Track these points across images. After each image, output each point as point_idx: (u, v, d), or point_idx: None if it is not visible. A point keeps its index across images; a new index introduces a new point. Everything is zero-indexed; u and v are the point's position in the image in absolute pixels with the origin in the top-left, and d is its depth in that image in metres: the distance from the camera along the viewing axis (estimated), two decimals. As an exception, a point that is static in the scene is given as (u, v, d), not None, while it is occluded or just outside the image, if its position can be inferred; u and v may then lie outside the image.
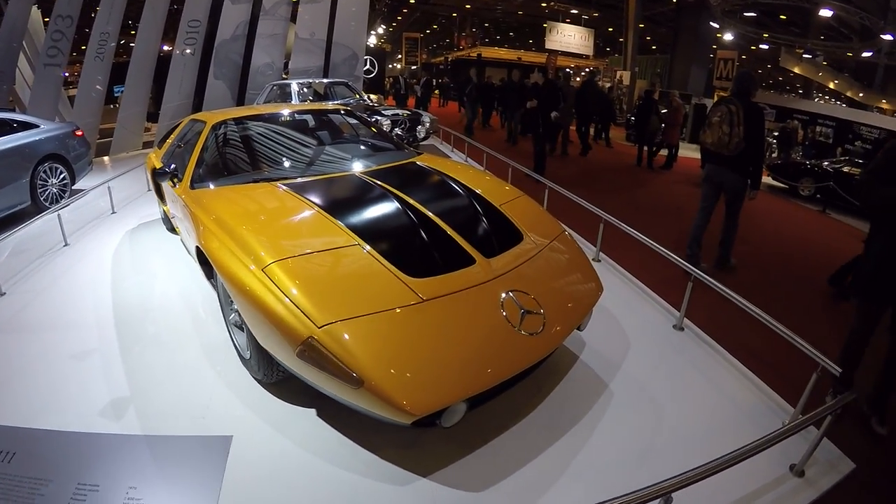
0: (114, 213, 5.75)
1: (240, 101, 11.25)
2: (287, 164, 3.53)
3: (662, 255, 3.59)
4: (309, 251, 2.22)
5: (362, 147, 3.95)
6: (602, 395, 2.55)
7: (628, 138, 13.38)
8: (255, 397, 2.49)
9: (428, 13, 39.00)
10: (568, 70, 12.71)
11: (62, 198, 6.01)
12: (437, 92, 26.52)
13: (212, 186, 3.10)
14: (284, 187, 2.88)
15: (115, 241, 4.84)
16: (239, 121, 3.83)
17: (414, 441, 2.15)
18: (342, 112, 4.46)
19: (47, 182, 5.93)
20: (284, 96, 8.30)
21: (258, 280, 2.06)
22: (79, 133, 6.51)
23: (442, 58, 40.17)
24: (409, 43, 37.96)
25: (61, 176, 6.13)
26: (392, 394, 1.71)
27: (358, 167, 3.35)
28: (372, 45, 26.29)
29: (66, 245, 4.73)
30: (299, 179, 3.11)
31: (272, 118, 4.01)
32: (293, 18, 11.75)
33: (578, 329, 2.60)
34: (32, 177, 5.65)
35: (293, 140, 3.77)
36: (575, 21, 29.09)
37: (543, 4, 31.04)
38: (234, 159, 3.53)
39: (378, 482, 1.98)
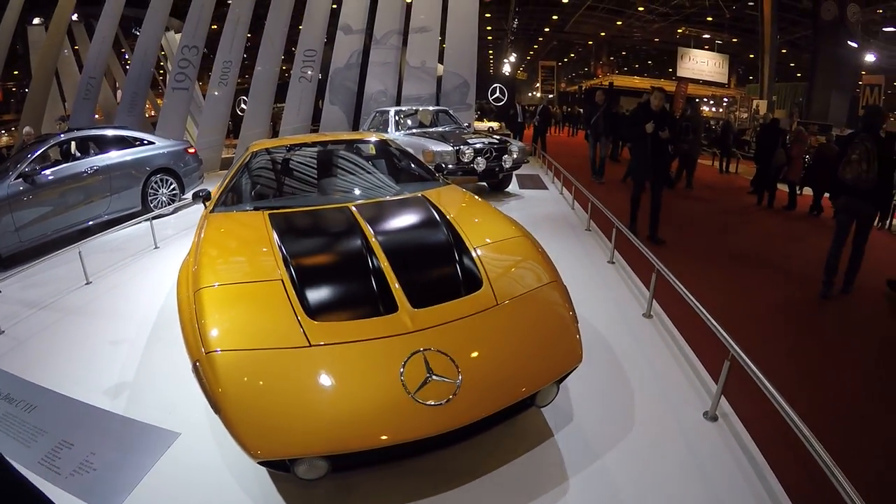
0: (208, 222, 6.61)
1: (355, 126, 12.09)
2: (288, 193, 3.74)
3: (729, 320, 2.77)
4: (239, 281, 2.31)
5: (376, 178, 3.91)
6: (558, 487, 2.09)
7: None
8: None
9: (565, 42, 38.54)
10: (706, 99, 11.65)
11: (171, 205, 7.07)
12: (566, 122, 26.15)
13: (222, 211, 3.30)
14: (268, 217, 2.95)
15: (197, 248, 5.57)
16: (269, 150, 4.06)
17: (356, 485, 2.11)
18: (377, 141, 4.42)
19: (158, 191, 7.03)
20: (384, 123, 8.48)
21: (188, 301, 2.28)
22: (191, 150, 7.64)
23: (576, 87, 39.56)
24: (546, 71, 37.77)
25: (171, 186, 7.22)
26: (238, 430, 1.76)
27: (355, 199, 3.32)
28: (507, 74, 26.72)
29: (155, 248, 5.55)
30: (290, 210, 3.16)
31: (303, 148, 4.12)
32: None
33: (536, 405, 2.19)
34: (144, 186, 6.76)
35: (309, 170, 3.94)
36: (709, 47, 27.35)
37: (679, 31, 29.58)
38: (249, 187, 3.76)
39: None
